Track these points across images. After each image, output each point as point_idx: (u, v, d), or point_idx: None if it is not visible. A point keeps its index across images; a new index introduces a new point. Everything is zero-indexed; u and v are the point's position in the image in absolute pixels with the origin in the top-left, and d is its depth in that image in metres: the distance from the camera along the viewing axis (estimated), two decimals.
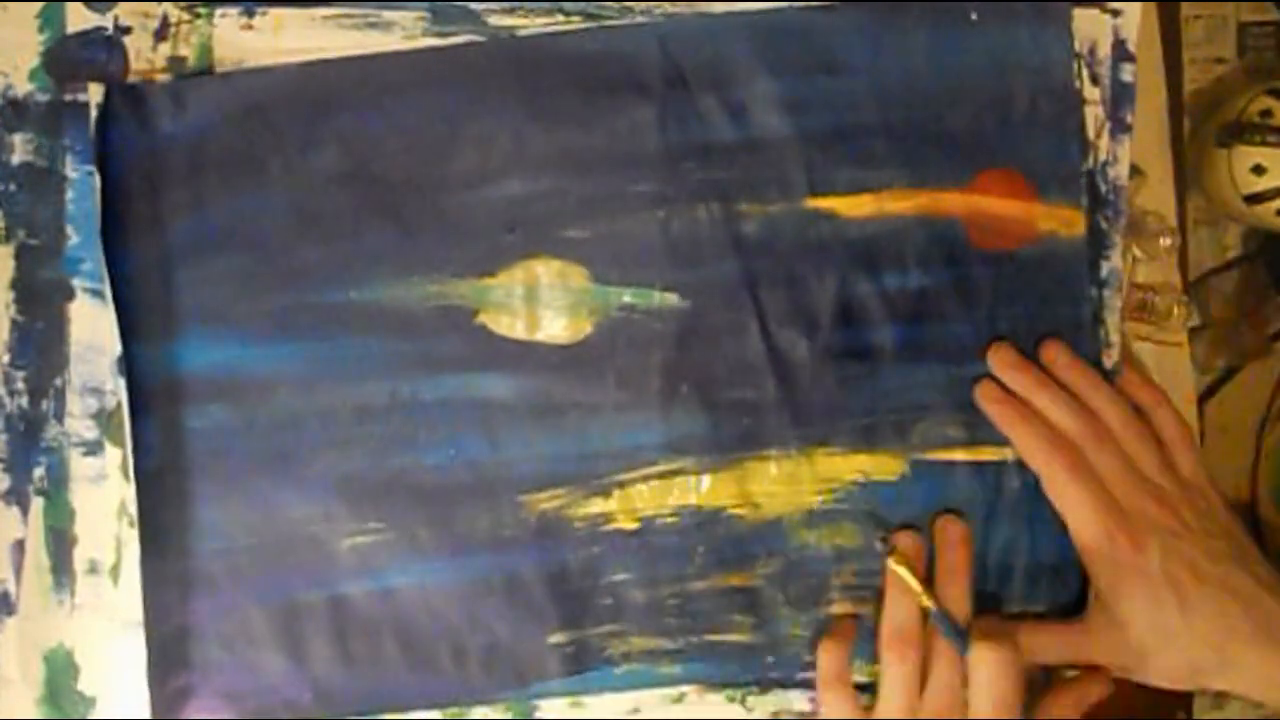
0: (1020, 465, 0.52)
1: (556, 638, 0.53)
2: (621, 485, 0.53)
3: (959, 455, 0.53)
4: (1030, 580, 0.52)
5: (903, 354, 0.53)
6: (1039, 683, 0.52)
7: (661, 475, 0.53)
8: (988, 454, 0.53)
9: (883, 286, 0.53)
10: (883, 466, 0.53)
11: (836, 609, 0.53)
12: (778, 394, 0.53)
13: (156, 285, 0.53)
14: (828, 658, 0.51)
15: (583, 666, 0.53)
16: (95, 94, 0.52)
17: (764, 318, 0.53)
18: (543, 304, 0.53)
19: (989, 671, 0.47)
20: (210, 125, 0.53)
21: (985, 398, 0.52)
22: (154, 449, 0.53)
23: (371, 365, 0.53)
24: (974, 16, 0.53)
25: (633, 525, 0.53)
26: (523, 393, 0.53)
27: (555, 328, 0.53)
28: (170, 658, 0.52)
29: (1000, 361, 0.52)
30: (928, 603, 0.50)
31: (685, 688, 0.54)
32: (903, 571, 0.50)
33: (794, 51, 0.53)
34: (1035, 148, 0.53)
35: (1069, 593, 0.53)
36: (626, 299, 0.53)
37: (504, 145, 0.53)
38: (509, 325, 0.53)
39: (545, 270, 0.53)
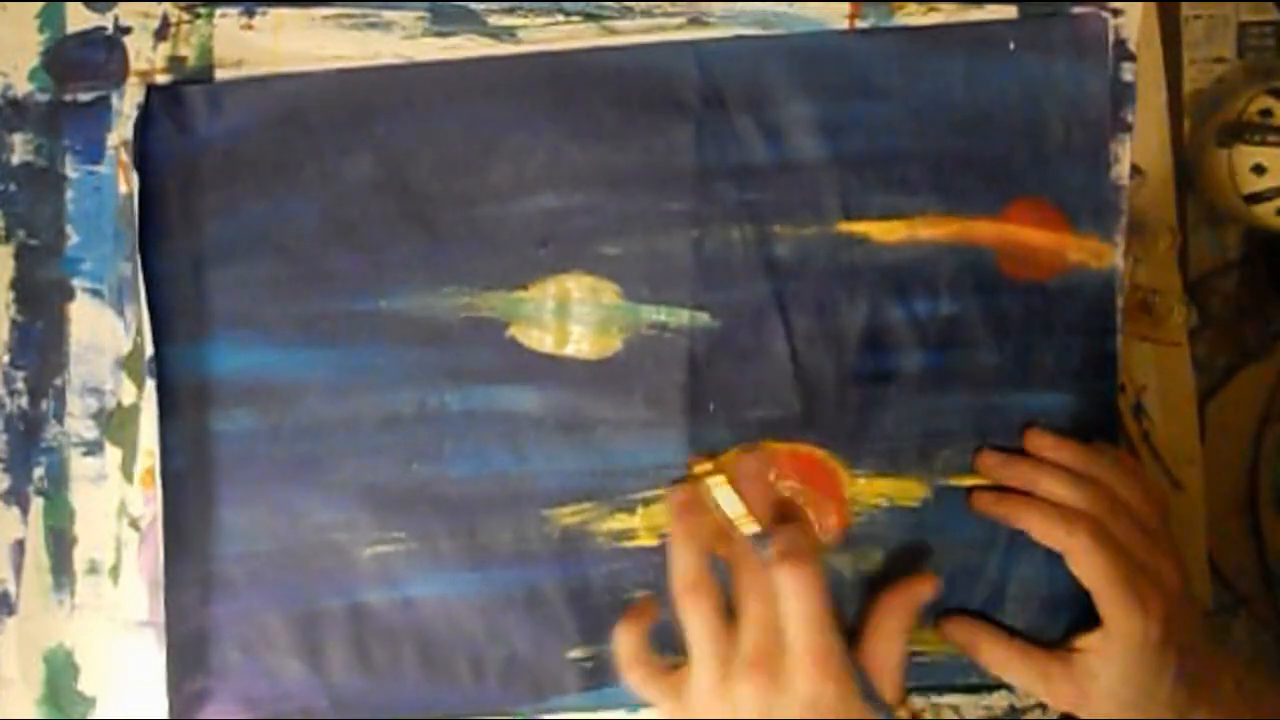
0: None
1: (576, 653, 0.53)
2: (645, 502, 0.53)
3: (983, 482, 0.53)
4: (1051, 611, 0.53)
5: (930, 380, 0.53)
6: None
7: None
8: None
9: (912, 312, 0.53)
10: (906, 491, 0.53)
11: None
12: (804, 416, 0.53)
13: (188, 287, 0.53)
14: (624, 641, 0.48)
15: (600, 682, 0.53)
16: (135, 95, 0.52)
17: (793, 339, 0.53)
18: (573, 319, 0.53)
19: (794, 591, 0.45)
20: (247, 129, 0.53)
21: (985, 503, 0.52)
22: (179, 451, 0.53)
23: (400, 374, 0.53)
24: (1011, 45, 0.53)
25: (655, 542, 0.53)
26: (550, 407, 0.53)
27: (585, 343, 0.53)
28: (189, 660, 0.53)
29: (989, 465, 0.52)
30: (752, 527, 0.48)
31: None
32: (726, 491, 0.49)
33: (831, 75, 0.53)
34: (1068, 179, 0.53)
35: (1091, 624, 0.53)
36: (657, 317, 0.53)
37: (539, 159, 0.53)
38: (539, 339, 0.53)
39: (577, 285, 0.53)
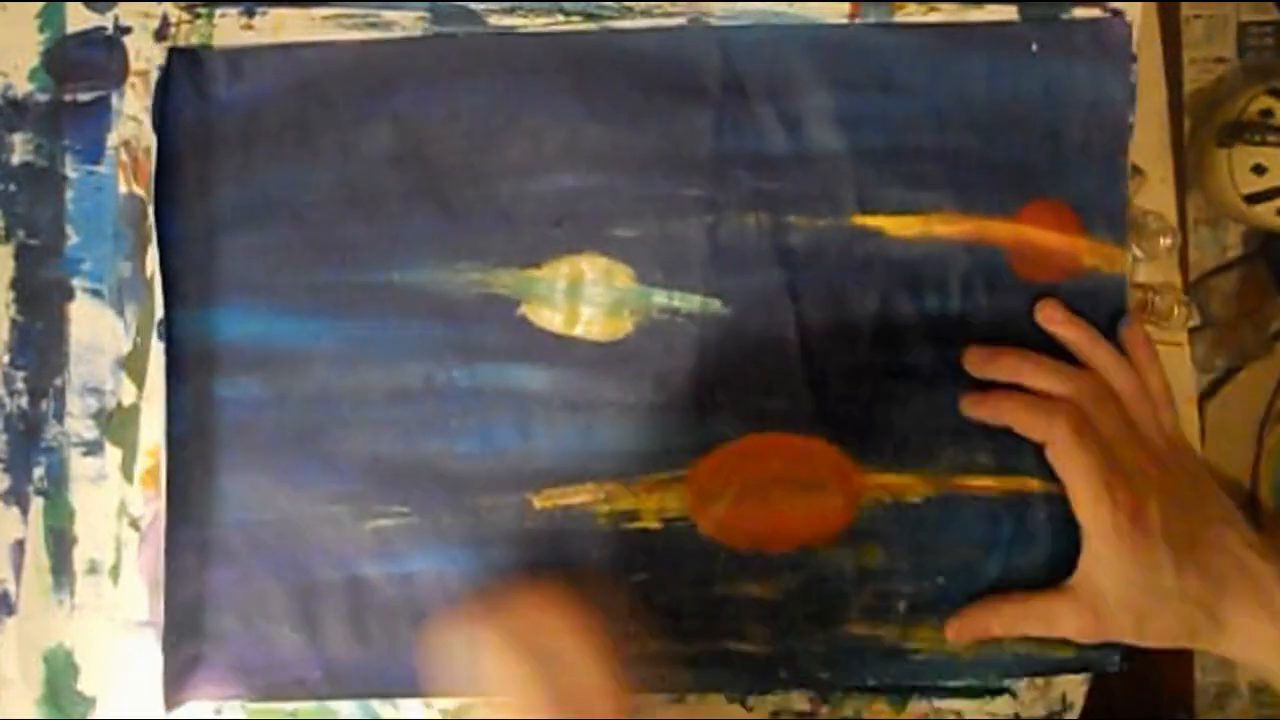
0: (1048, 497, 0.53)
1: None
2: (649, 487, 0.53)
3: (987, 482, 0.53)
4: None
5: (938, 377, 0.53)
6: None
7: (689, 479, 0.53)
8: (1016, 484, 0.53)
9: (924, 309, 0.53)
10: (910, 488, 0.53)
11: (853, 629, 0.53)
12: (811, 407, 0.53)
13: (199, 252, 0.53)
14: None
15: None
16: (157, 57, 0.52)
17: (804, 330, 0.53)
18: (585, 300, 0.53)
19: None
20: (266, 95, 0.53)
21: (969, 406, 0.52)
22: (184, 415, 0.52)
23: (409, 348, 0.53)
24: (1034, 47, 0.53)
25: (657, 526, 0.53)
26: (558, 387, 0.53)
27: (596, 325, 0.53)
28: (185, 625, 0.52)
29: (976, 361, 0.52)
30: None
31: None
32: None
33: (853, 68, 0.53)
34: (1084, 182, 0.53)
35: None
36: (669, 301, 0.53)
37: (558, 138, 0.53)
38: (550, 318, 0.53)
39: (590, 266, 0.53)
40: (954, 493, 0.53)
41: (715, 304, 0.53)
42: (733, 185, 0.53)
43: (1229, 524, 0.50)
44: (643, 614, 0.53)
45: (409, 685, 0.53)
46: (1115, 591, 0.49)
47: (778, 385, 0.53)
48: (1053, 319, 0.52)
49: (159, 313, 0.52)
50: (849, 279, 0.53)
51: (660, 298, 0.53)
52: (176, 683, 0.52)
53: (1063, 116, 0.53)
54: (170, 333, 0.52)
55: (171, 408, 0.52)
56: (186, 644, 0.52)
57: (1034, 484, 0.53)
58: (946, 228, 0.53)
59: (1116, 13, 0.53)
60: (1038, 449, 0.53)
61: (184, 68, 0.52)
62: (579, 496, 0.53)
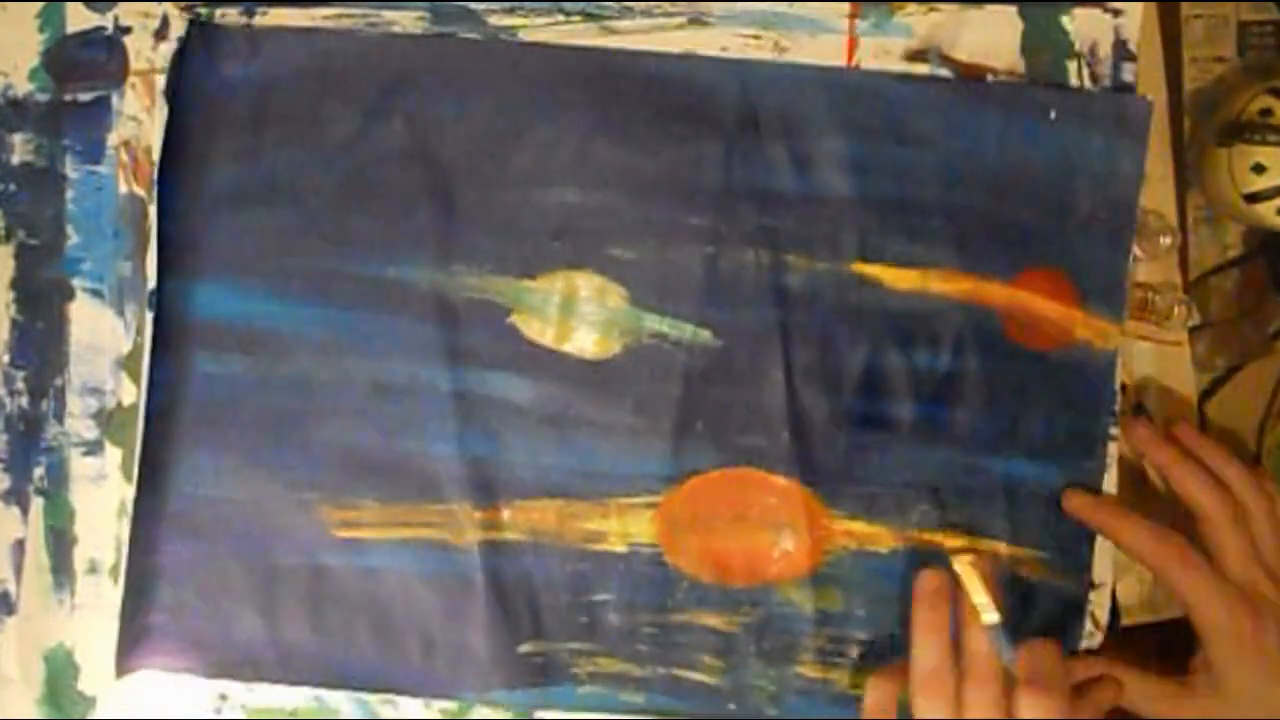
0: (1014, 561, 0.53)
1: (527, 647, 0.53)
2: (620, 508, 0.53)
3: (955, 541, 0.53)
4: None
5: (919, 433, 0.53)
6: None
7: (660, 506, 0.53)
8: (984, 546, 0.53)
9: (912, 363, 0.53)
10: (878, 538, 0.53)
11: (805, 670, 0.53)
12: (789, 448, 0.53)
13: (197, 225, 0.53)
14: (875, 693, 0.50)
15: (547, 680, 0.53)
16: (178, 28, 0.52)
17: (790, 371, 0.53)
18: (577, 316, 0.53)
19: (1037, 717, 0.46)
20: (280, 77, 0.53)
21: (1077, 505, 0.53)
22: (166, 386, 0.52)
23: (396, 344, 0.53)
24: (1053, 114, 0.53)
25: (622, 548, 0.53)
26: (540, 400, 0.53)
27: (585, 342, 0.53)
28: (141, 593, 0.52)
29: (1141, 436, 0.53)
30: (994, 616, 0.48)
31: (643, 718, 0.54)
32: (974, 575, 0.49)
33: (870, 116, 0.53)
34: (1086, 255, 0.53)
35: None
36: (660, 327, 0.53)
37: (567, 152, 0.53)
38: (540, 331, 0.53)
39: (585, 283, 0.53)
40: (921, 548, 0.53)
41: (705, 334, 0.53)
42: (737, 218, 0.53)
43: None
44: (598, 633, 0.53)
45: (362, 678, 0.53)
46: (1231, 698, 0.50)
47: (758, 422, 0.53)
48: (1186, 437, 0.53)
49: (151, 281, 0.52)
50: (841, 325, 0.53)
51: (651, 322, 0.53)
52: (128, 650, 0.52)
53: (1073, 186, 0.53)
54: (160, 302, 0.52)
55: (153, 376, 0.52)
56: (142, 612, 0.52)
57: (1002, 548, 0.53)
58: (944, 284, 0.53)
59: (1117, 12, 0.53)
60: (1009, 512, 0.53)
61: (202, 40, 0.52)
62: (548, 511, 0.53)
